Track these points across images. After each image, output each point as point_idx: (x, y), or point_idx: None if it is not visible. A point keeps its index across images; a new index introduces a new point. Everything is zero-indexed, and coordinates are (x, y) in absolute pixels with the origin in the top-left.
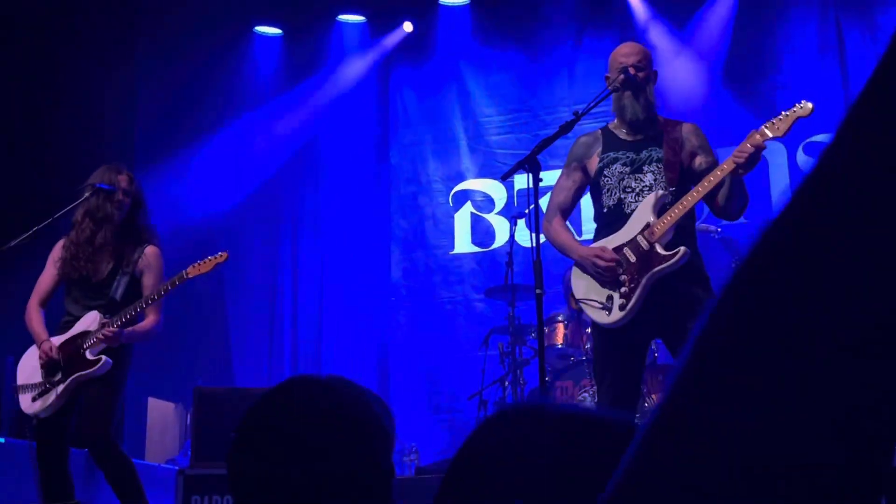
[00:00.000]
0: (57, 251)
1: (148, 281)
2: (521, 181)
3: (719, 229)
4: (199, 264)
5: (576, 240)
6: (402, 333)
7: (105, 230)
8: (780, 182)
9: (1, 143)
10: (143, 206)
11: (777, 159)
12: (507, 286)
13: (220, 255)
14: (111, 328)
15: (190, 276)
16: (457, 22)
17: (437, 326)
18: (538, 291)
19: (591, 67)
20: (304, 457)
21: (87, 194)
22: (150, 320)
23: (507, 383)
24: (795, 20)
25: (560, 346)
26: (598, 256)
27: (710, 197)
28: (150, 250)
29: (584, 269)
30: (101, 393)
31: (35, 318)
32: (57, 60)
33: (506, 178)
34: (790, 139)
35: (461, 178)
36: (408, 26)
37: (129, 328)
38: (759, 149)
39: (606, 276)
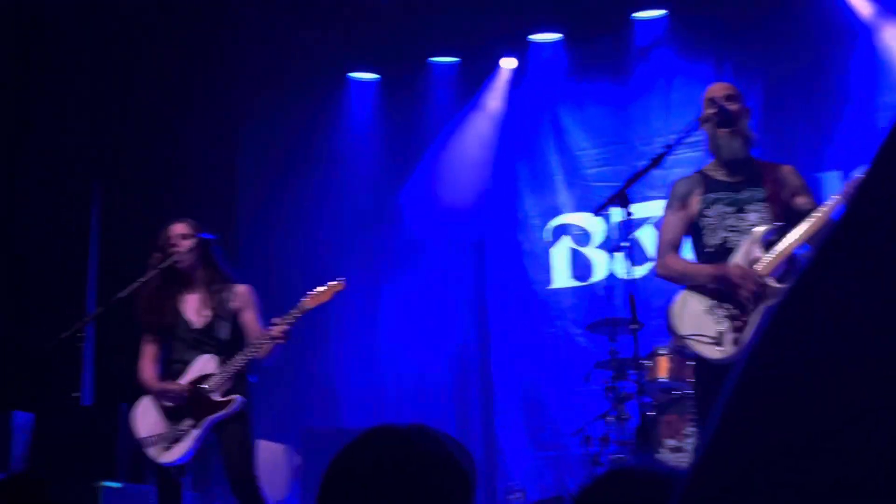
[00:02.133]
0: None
1: (248, 317)
2: (619, 214)
3: None
4: (318, 294)
5: (697, 264)
6: (504, 370)
7: (166, 279)
8: None
9: (111, 203)
10: (208, 247)
11: None
12: (608, 320)
13: (338, 283)
14: (280, 326)
15: (309, 306)
16: (549, 57)
17: (539, 362)
18: (633, 327)
19: (687, 97)
20: None
21: (151, 263)
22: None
23: (610, 418)
24: None
25: (664, 380)
26: (733, 270)
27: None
28: (241, 288)
29: (709, 291)
30: (238, 433)
31: (149, 374)
32: (160, 117)
33: (599, 213)
34: None
35: (557, 213)
36: (509, 62)
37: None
38: None
39: (748, 287)
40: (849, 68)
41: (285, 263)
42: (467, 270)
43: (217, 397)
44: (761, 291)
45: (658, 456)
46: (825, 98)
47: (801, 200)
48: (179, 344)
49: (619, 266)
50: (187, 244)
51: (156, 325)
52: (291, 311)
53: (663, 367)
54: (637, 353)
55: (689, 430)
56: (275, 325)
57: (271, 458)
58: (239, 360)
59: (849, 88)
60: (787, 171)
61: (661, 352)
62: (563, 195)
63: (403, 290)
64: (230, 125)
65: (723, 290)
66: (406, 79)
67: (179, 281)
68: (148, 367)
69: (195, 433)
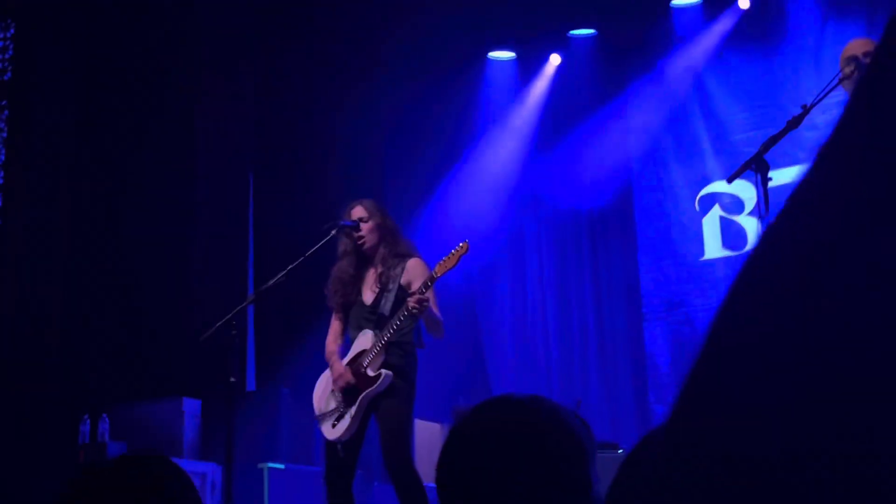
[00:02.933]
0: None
1: (418, 287)
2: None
3: None
4: (444, 261)
5: None
6: (657, 344)
7: (349, 261)
8: None
9: (266, 194)
10: (391, 226)
11: None
12: None
13: (462, 247)
14: (417, 296)
15: (439, 274)
16: (690, 18)
17: (692, 336)
18: None
19: (838, 54)
20: (503, 476)
21: (333, 232)
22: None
23: None
24: None
25: None
26: None
27: None
28: (412, 262)
29: None
30: (392, 411)
31: (331, 348)
32: (307, 107)
33: (732, 181)
34: None
35: (706, 182)
36: (555, 59)
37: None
38: None
39: None
40: None
41: (434, 246)
42: (617, 243)
43: (371, 372)
44: None
45: None
46: None
47: None
48: (354, 322)
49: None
50: (367, 227)
51: (340, 304)
52: (425, 282)
53: None
54: None
55: None
56: (420, 293)
57: (429, 438)
58: (386, 334)
59: None
60: None
61: None
62: (712, 163)
63: (550, 267)
64: (376, 112)
65: None
66: (543, 55)
67: (363, 261)
68: (331, 343)
69: (353, 410)
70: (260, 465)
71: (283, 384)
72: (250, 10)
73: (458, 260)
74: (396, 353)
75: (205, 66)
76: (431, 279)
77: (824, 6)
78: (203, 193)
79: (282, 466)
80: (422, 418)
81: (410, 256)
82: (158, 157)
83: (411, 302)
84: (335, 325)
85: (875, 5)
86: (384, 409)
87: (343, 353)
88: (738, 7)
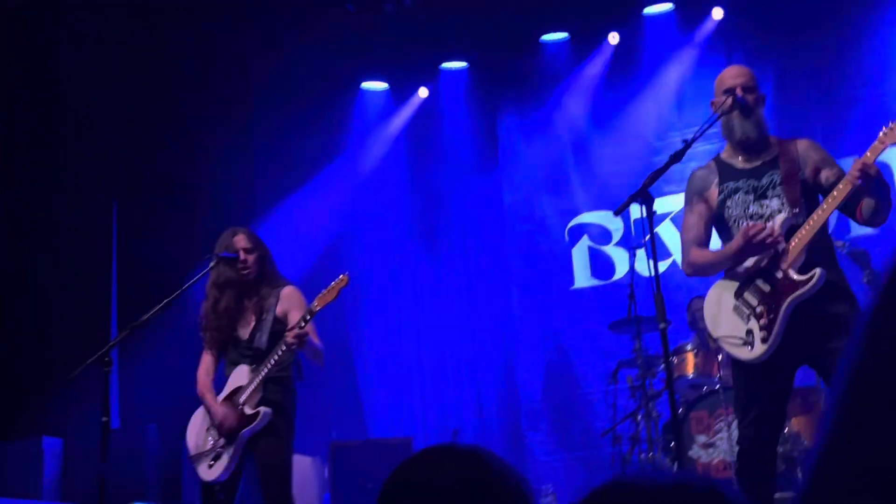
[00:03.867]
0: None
1: (295, 318)
2: (637, 210)
3: (847, 244)
4: (324, 294)
5: (717, 250)
6: (530, 373)
7: (228, 295)
8: None
9: (131, 221)
10: (267, 254)
11: None
12: (631, 318)
13: (341, 279)
14: (296, 331)
15: (318, 307)
16: (559, 55)
17: (564, 363)
18: (662, 326)
19: (699, 88)
20: None
21: (212, 264)
22: (315, 338)
23: (639, 417)
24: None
25: (691, 376)
26: (746, 233)
27: (849, 211)
28: (286, 291)
29: (738, 278)
30: (270, 451)
31: (204, 386)
32: (177, 135)
33: (619, 213)
34: None
35: (576, 213)
36: (423, 91)
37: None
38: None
39: (768, 242)
40: (864, 52)
41: (307, 277)
42: (488, 275)
43: (248, 410)
44: (776, 239)
45: (690, 453)
46: (841, 82)
47: (827, 174)
48: (230, 357)
49: (640, 263)
50: (252, 258)
51: (214, 339)
52: (304, 316)
53: (690, 364)
54: (667, 350)
55: (719, 425)
56: (299, 327)
57: (301, 472)
58: (263, 369)
59: (865, 72)
60: (804, 145)
61: (687, 348)
62: (581, 195)
63: (423, 295)
64: (248, 140)
65: (751, 279)
66: (415, 86)
67: (239, 291)
68: (203, 379)
69: (231, 450)
70: None
71: (150, 421)
72: (120, 32)
73: (337, 293)
74: (274, 388)
75: (69, 89)
76: (311, 312)
77: (685, 42)
78: (65, 221)
79: None
80: (295, 452)
81: (284, 285)
82: (15, 178)
83: (289, 336)
84: (207, 360)
85: (733, 44)
86: (263, 448)
87: (217, 389)
88: (608, 43)
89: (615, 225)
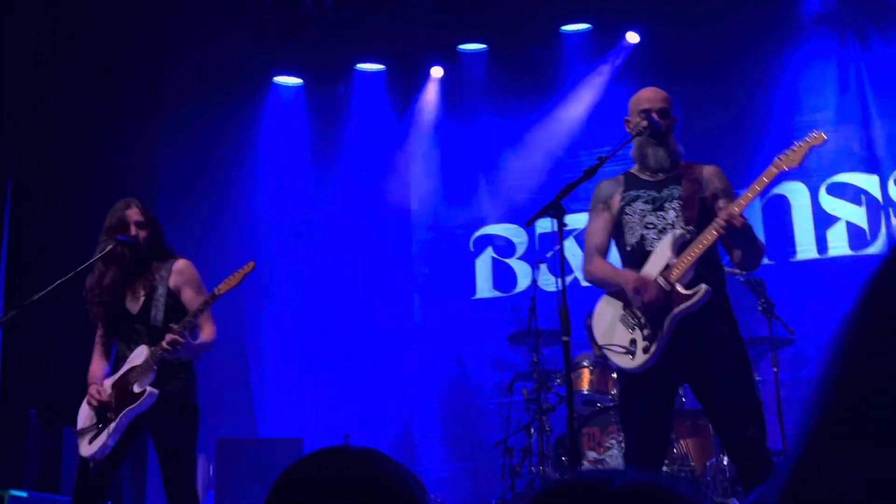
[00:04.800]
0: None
1: (188, 295)
2: (543, 225)
3: (743, 272)
4: (229, 279)
5: (618, 269)
6: (425, 380)
7: (114, 269)
8: (803, 222)
9: (26, 201)
10: (160, 228)
11: (800, 200)
12: (531, 331)
13: (248, 266)
14: (173, 335)
15: (222, 292)
16: (476, 67)
17: (460, 372)
18: (565, 339)
19: (610, 110)
20: None
21: (109, 247)
22: (206, 331)
23: (532, 430)
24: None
25: (586, 392)
26: (638, 289)
27: (728, 249)
28: (178, 265)
29: (624, 297)
30: (172, 435)
31: (94, 365)
32: (79, 116)
33: (530, 224)
34: (812, 180)
35: (482, 224)
36: (437, 71)
37: (190, 340)
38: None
39: (648, 296)
40: (773, 86)
41: (204, 269)
42: (393, 279)
43: (136, 389)
44: (664, 300)
45: (580, 468)
46: (750, 114)
47: (722, 203)
48: (122, 334)
49: (543, 277)
50: (144, 234)
51: (103, 315)
52: (206, 298)
53: (585, 379)
54: (569, 364)
55: (610, 442)
56: (197, 309)
57: None
58: (158, 350)
59: (773, 106)
60: (710, 171)
61: (583, 363)
62: (487, 206)
63: (325, 297)
64: (151, 123)
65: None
66: (330, 85)
67: (128, 266)
68: (95, 363)
69: (111, 426)
70: (0, 492)
71: (32, 407)
72: (25, 7)
73: (242, 278)
74: (173, 374)
75: None
76: (213, 296)
77: (598, 64)
78: None
79: (24, 494)
80: None
81: (176, 258)
82: None
83: (166, 340)
84: (99, 344)
85: (646, 68)
86: (162, 432)
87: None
88: (524, 56)
89: (520, 238)
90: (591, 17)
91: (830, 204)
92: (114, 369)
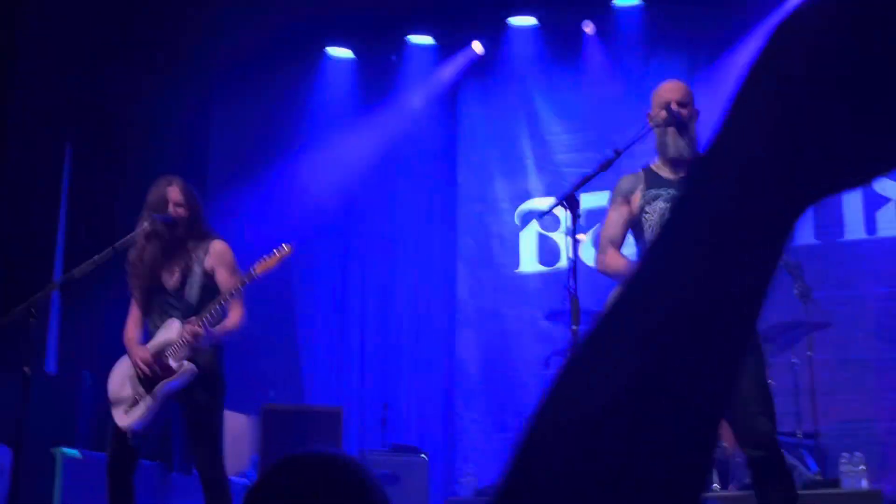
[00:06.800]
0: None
1: (222, 276)
2: (586, 201)
3: None
4: (265, 260)
5: (632, 262)
6: (467, 352)
7: (154, 244)
8: (852, 202)
9: (81, 167)
10: (200, 209)
11: None
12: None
13: (285, 248)
14: (193, 326)
15: (258, 272)
16: (526, 41)
17: (503, 345)
18: (574, 328)
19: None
20: None
21: (146, 224)
22: (233, 315)
23: None
24: None
25: None
26: None
27: None
28: (215, 245)
29: None
30: (204, 410)
31: (131, 334)
32: (135, 85)
33: (545, 215)
34: None
35: (528, 197)
36: (477, 47)
37: (215, 327)
38: None
39: None
40: None
41: (253, 241)
42: (438, 251)
43: (173, 363)
44: None
45: None
46: None
47: None
48: (157, 308)
49: (586, 253)
50: (182, 213)
51: (140, 288)
52: (240, 278)
53: None
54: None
55: None
56: (228, 293)
57: (235, 429)
58: (184, 336)
59: None
60: None
61: None
62: (534, 179)
63: (372, 269)
64: (206, 94)
65: None
66: (382, 57)
67: (167, 243)
68: (131, 328)
69: (149, 400)
70: (53, 450)
71: (86, 368)
72: None
73: (278, 262)
74: (204, 351)
75: (27, 30)
76: (249, 277)
77: (649, 42)
78: (16, 162)
79: (76, 453)
80: (229, 409)
81: (213, 238)
82: None
83: (187, 331)
84: (135, 311)
85: (697, 44)
86: (193, 408)
87: (145, 341)
88: (581, 30)
89: (565, 213)
90: None
91: (881, 184)
92: (149, 338)
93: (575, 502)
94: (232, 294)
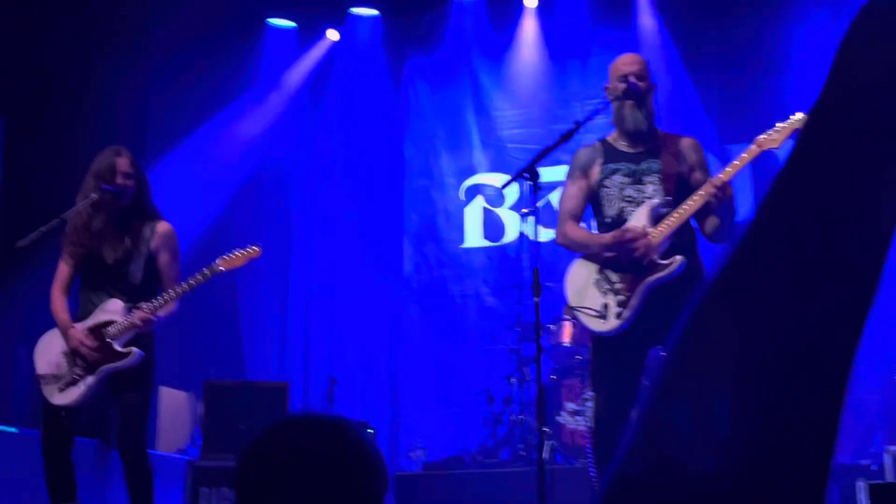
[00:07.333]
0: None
1: (164, 260)
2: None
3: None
4: (232, 258)
5: (592, 233)
6: (413, 327)
7: (101, 216)
8: None
9: (18, 139)
10: (146, 184)
11: None
12: (517, 283)
13: (253, 250)
14: (145, 314)
15: (222, 269)
16: (470, 14)
17: (448, 321)
18: (536, 299)
19: (604, 61)
20: (306, 499)
21: (93, 196)
22: (170, 302)
23: (513, 380)
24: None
25: (567, 345)
26: (625, 233)
27: (701, 220)
28: (161, 227)
29: (599, 260)
30: (136, 395)
31: (59, 305)
32: (71, 55)
33: (506, 187)
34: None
35: (473, 172)
36: (332, 34)
37: (161, 316)
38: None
39: (640, 249)
40: (768, 42)
41: (192, 217)
42: (381, 225)
43: (118, 347)
44: (649, 257)
45: (558, 418)
46: (742, 69)
47: (697, 176)
48: (90, 281)
49: (530, 228)
50: (131, 183)
51: (75, 254)
52: (203, 271)
53: (567, 333)
54: (539, 322)
55: (588, 394)
56: (187, 283)
57: (173, 406)
58: (131, 321)
59: (767, 62)
60: (688, 144)
61: (566, 317)
62: (479, 155)
63: (317, 244)
64: (145, 64)
65: (612, 261)
66: (323, 28)
67: (112, 215)
68: (58, 298)
69: (89, 380)
70: None
71: (20, 343)
72: None
73: (245, 261)
74: (144, 337)
75: None
76: (212, 271)
77: (593, 15)
78: None
79: (15, 430)
80: (169, 386)
81: (159, 219)
82: None
83: (138, 317)
84: (63, 274)
85: (640, 18)
86: (128, 393)
87: (73, 311)
88: (526, 7)
89: (510, 188)
90: None
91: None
92: (82, 314)
93: None
94: (191, 285)
